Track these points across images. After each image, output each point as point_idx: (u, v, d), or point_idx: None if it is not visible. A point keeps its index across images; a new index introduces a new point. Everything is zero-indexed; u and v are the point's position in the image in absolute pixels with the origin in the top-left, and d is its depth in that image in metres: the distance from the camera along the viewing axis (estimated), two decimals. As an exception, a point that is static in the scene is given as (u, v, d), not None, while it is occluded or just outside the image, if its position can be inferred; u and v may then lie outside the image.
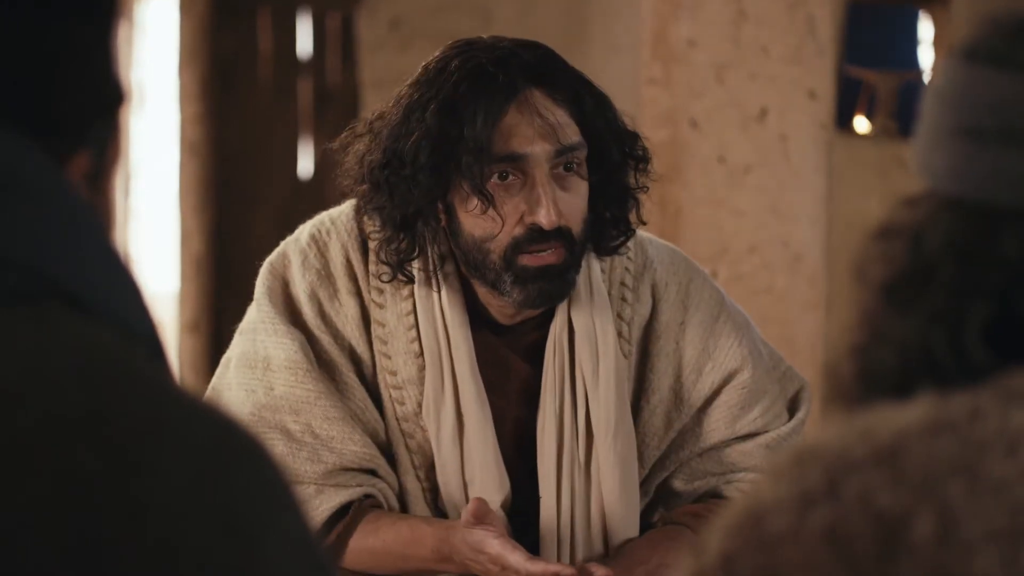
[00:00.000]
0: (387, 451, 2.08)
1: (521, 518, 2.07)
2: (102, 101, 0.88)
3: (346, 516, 2.04)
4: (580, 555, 2.07)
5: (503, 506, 2.05)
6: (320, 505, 2.03)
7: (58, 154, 0.85)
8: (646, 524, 2.14)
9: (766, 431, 2.13)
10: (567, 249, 1.96)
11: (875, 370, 0.90)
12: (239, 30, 6.77)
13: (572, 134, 1.96)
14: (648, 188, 2.07)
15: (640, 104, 3.95)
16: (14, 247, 0.81)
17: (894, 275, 0.90)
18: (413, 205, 1.96)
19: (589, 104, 1.97)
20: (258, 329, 2.07)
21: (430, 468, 2.06)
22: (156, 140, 6.18)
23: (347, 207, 2.10)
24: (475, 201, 1.95)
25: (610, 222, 2.03)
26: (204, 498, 0.77)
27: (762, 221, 3.99)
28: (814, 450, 0.82)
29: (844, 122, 5.75)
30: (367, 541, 2.03)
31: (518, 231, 1.95)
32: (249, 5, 6.81)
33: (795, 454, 0.83)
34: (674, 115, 3.97)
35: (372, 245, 2.05)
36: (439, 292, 2.03)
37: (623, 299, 2.10)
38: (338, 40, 6.76)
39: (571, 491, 2.05)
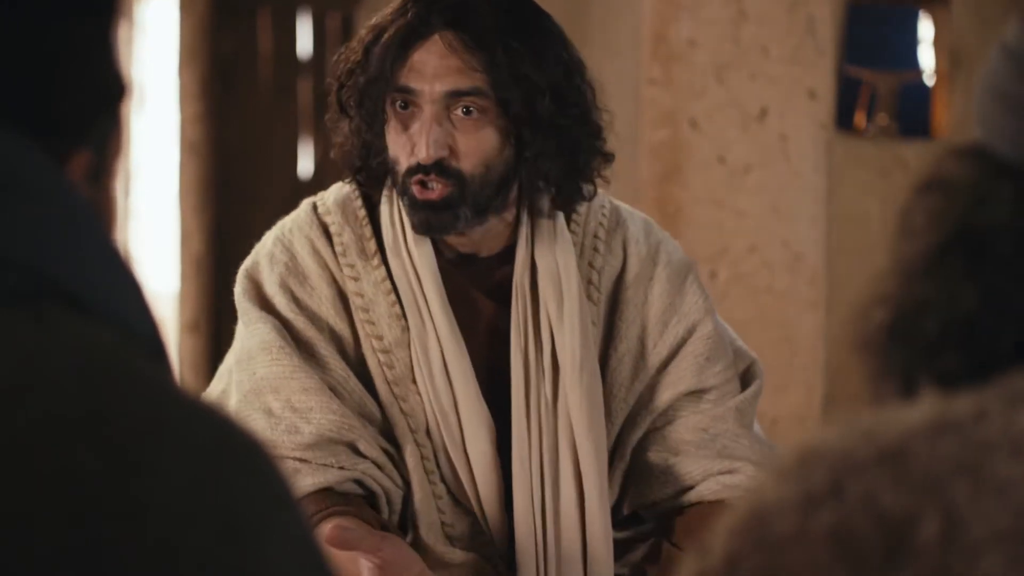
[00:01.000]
0: (382, 424, 2.11)
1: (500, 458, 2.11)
2: (102, 100, 0.88)
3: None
4: (549, 494, 2.09)
5: (491, 441, 2.10)
6: (297, 484, 2.03)
7: (58, 154, 0.85)
8: (627, 515, 2.17)
9: (730, 393, 2.18)
10: (455, 187, 2.04)
11: (909, 327, 0.87)
12: (239, 30, 6.78)
13: (470, 80, 2.03)
14: (604, 158, 2.12)
15: (640, 104, 3.95)
16: (14, 247, 0.80)
17: (945, 235, 0.88)
18: (360, 133, 2.10)
19: (501, 56, 2.03)
20: (240, 330, 2.15)
21: (426, 432, 2.10)
22: (156, 140, 6.19)
23: (304, 206, 2.20)
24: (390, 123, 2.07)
25: (539, 177, 2.09)
26: (204, 498, 0.77)
27: (762, 221, 3.99)
28: (818, 450, 0.82)
29: (844, 122, 5.75)
30: None
31: (412, 161, 2.05)
32: (249, 5, 6.81)
33: (799, 454, 0.82)
34: (674, 115, 3.97)
35: (333, 229, 2.14)
36: (403, 230, 2.11)
37: (595, 249, 2.18)
38: (338, 40, 6.76)
39: (539, 428, 2.10)
